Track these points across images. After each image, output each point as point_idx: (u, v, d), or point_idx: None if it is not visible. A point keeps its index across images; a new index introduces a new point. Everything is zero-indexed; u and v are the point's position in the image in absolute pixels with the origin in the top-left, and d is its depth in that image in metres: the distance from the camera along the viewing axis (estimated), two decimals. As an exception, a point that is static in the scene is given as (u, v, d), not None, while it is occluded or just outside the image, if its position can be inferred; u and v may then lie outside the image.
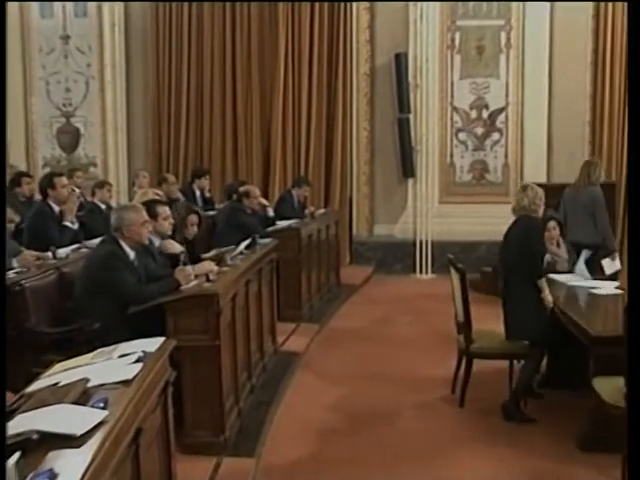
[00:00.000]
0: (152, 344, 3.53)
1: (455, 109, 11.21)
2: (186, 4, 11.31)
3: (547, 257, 6.46)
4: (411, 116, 11.14)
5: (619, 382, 4.71)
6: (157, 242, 5.59)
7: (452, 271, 6.09)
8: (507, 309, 5.78)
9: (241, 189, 8.70)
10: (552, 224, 6.74)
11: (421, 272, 11.09)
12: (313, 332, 7.92)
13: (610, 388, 4.81)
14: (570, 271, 6.65)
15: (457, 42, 11.17)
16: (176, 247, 5.67)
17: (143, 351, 3.36)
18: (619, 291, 6.08)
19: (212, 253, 6.09)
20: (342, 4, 11.09)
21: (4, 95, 10.69)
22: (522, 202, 5.83)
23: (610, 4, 10.85)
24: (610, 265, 8.36)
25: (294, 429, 5.47)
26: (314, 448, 5.16)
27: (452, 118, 11.23)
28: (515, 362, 6.04)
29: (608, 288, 6.13)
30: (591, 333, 5.03)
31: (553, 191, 9.72)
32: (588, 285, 6.18)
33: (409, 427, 5.58)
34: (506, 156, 11.20)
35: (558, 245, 6.82)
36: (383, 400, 6.11)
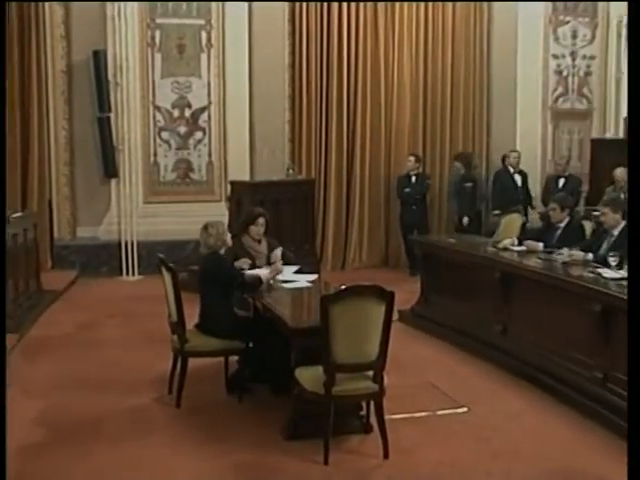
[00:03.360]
0: None
1: (157, 108, 11.11)
2: None
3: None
4: (112, 115, 10.88)
5: (318, 371, 4.91)
6: None
7: (164, 271, 6.07)
8: (204, 309, 6.11)
9: None
10: (261, 221, 6.92)
11: (128, 274, 10.88)
12: (12, 343, 7.48)
13: (310, 377, 5.00)
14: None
15: (157, 40, 11.05)
16: None
17: None
18: (311, 284, 6.37)
19: None
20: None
21: (4, 96, 9.90)
22: (209, 242, 6.11)
23: (304, 9, 11.27)
24: None
25: (-9, 448, 5.11)
26: (15, 467, 4.83)
27: (155, 117, 11.11)
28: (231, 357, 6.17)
29: (302, 282, 6.38)
30: (290, 325, 5.21)
31: (257, 187, 10.02)
32: (286, 279, 6.40)
33: (120, 433, 5.44)
34: (210, 155, 11.28)
35: (260, 242, 6.97)
36: (92, 408, 5.89)
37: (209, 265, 6.11)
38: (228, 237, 6.33)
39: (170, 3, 11.05)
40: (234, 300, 6.22)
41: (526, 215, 9.85)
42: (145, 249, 10.67)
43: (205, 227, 6.18)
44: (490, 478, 4.80)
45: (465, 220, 10.89)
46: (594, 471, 4.90)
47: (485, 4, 11.95)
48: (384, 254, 11.84)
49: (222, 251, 6.16)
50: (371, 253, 11.74)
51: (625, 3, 12.18)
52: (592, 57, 12.49)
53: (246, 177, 10.89)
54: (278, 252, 6.68)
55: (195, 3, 11.10)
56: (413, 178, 11.15)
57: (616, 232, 6.98)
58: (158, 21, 11.03)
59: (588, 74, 12.52)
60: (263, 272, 6.31)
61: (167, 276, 6.02)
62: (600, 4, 12.38)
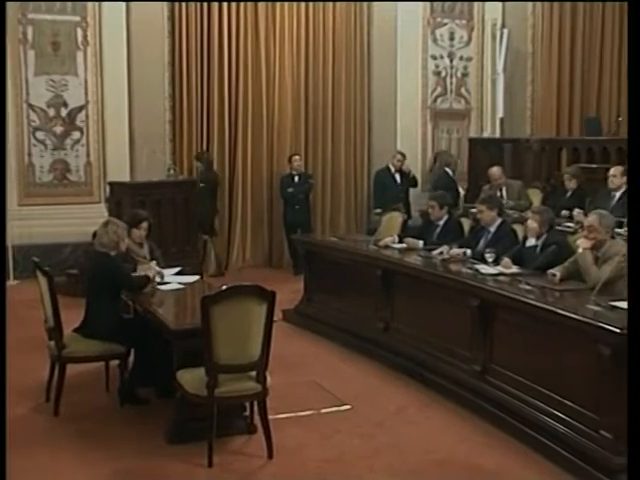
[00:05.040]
0: None
1: (31, 107, 10.71)
2: None
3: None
4: (-18, 114, 10.47)
5: (200, 372, 4.86)
6: None
7: (39, 275, 5.90)
8: (88, 311, 5.93)
9: None
10: (145, 225, 6.85)
11: (3, 279, 10.50)
12: None
13: (192, 379, 4.95)
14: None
15: (30, 37, 10.67)
16: None
17: None
18: (185, 285, 6.31)
19: None
20: None
21: (4, 95, 9.66)
22: (102, 240, 5.93)
23: (184, 7, 11.11)
24: None
25: None
26: None
27: (29, 117, 10.71)
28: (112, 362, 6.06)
29: (173, 284, 6.32)
30: (171, 327, 5.14)
31: (138, 188, 9.84)
32: (166, 281, 6.33)
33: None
34: (88, 155, 10.96)
35: (141, 245, 6.88)
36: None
37: (98, 266, 5.95)
38: (125, 242, 6.12)
39: (43, -1, 10.70)
40: (120, 303, 6.09)
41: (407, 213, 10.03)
42: (20, 253, 10.30)
43: (105, 223, 6.06)
44: (374, 473, 4.87)
45: None
46: (473, 461, 5.03)
47: (365, 5, 12.08)
48: (268, 254, 11.81)
49: (113, 253, 5.99)
50: (255, 253, 11.69)
51: (499, 6, 12.62)
52: (469, 58, 12.81)
53: (126, 178, 10.65)
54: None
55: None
56: (296, 178, 11.17)
57: (492, 229, 7.19)
58: (30, 17, 10.63)
59: (465, 75, 12.84)
60: (148, 272, 6.22)
61: (43, 280, 5.85)
62: (475, 7, 12.71)
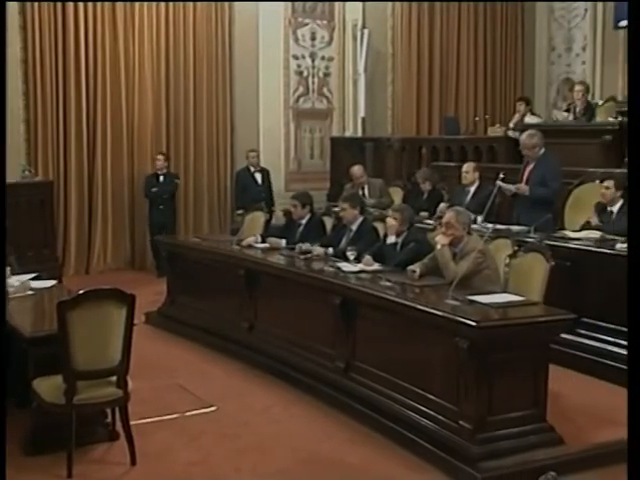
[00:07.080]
0: None
1: None
2: None
3: None
4: None
5: (58, 380, 4.71)
6: None
7: None
8: None
9: None
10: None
11: None
12: None
13: (49, 387, 4.81)
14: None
15: None
16: None
17: None
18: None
19: None
20: None
21: (4, 96, 9.28)
22: None
23: (36, 3, 10.72)
24: None
25: None
26: None
27: None
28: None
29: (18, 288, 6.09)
30: (25, 334, 4.95)
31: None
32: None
33: None
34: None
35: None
36: None
37: None
38: None
39: None
40: None
41: (270, 212, 10.02)
42: None
43: None
44: (239, 474, 4.86)
45: None
46: (338, 457, 5.08)
47: (226, 4, 12.00)
48: (130, 256, 11.57)
49: None
50: (117, 255, 11.41)
51: (360, 7, 12.80)
52: (330, 58, 12.94)
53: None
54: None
55: None
56: (161, 177, 10.99)
57: (354, 227, 7.27)
58: None
59: (327, 75, 12.96)
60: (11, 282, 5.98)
61: None
62: (336, 8, 12.84)
